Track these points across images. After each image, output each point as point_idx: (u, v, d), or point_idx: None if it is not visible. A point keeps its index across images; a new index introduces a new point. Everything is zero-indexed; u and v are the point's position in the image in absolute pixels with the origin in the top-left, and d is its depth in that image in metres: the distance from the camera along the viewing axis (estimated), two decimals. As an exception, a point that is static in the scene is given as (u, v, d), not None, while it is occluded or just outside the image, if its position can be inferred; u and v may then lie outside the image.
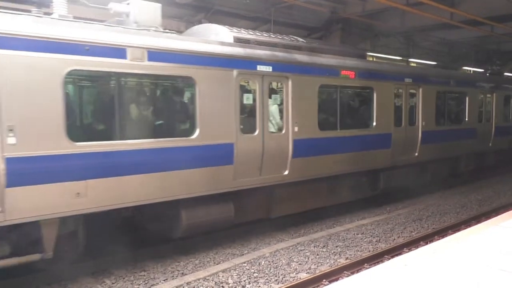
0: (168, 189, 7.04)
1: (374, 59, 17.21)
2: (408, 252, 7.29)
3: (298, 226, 9.75)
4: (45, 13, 6.47)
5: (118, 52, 6.53)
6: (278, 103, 8.87)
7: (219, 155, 7.70)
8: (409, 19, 15.11)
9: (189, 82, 7.49)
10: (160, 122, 7.56)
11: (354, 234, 9.35)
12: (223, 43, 7.99)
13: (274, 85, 8.94)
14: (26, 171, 5.70)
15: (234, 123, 7.86)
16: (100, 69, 6.39)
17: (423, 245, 8.10)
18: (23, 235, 6.00)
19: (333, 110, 9.89)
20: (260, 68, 8.28)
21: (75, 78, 6.77)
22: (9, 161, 5.56)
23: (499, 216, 7.51)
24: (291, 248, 8.37)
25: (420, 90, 12.11)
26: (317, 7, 13.46)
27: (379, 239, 9.08)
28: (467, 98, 14.14)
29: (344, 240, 8.95)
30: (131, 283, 6.80)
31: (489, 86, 15.49)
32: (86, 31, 6.32)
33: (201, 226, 7.82)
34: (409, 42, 17.69)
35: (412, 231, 9.73)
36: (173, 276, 7.05)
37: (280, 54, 8.73)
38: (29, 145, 5.73)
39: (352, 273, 6.94)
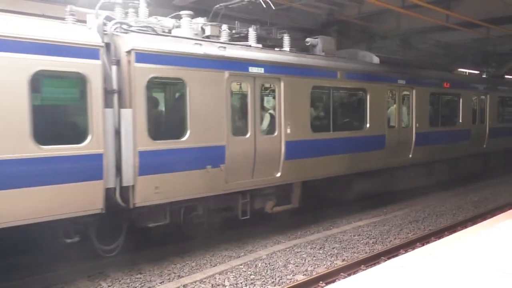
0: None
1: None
2: (404, 253, 7.31)
3: (294, 227, 9.75)
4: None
5: (333, 73, 9.97)
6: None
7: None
8: (405, 21, 15.15)
9: (363, 92, 10.78)
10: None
11: (350, 235, 9.35)
12: (376, 64, 11.46)
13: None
14: None
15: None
16: (324, 85, 9.86)
17: (419, 247, 8.13)
18: None
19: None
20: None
21: (317, 92, 9.88)
22: None
23: (495, 218, 7.54)
24: (287, 250, 8.37)
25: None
26: (314, 9, 13.49)
27: (376, 241, 9.09)
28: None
29: (340, 241, 8.96)
30: (127, 286, 6.78)
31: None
32: (312, 60, 9.67)
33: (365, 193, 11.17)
34: (405, 44, 17.73)
35: (408, 233, 9.74)
36: (169, 279, 7.04)
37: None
38: None
39: (349, 274, 6.94)
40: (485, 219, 9.50)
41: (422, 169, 13.03)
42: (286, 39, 9.54)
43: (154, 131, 6.99)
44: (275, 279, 7.06)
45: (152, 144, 6.87)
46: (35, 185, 5.79)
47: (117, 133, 6.59)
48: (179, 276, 7.15)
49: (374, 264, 7.30)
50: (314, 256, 8.09)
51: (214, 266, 7.55)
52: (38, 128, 5.77)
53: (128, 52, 6.69)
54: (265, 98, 8.94)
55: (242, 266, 7.52)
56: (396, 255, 7.76)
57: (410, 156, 12.13)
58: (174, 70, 7.21)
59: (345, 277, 6.79)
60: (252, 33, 8.96)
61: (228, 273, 7.25)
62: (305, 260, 7.87)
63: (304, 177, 9.40)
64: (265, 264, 7.64)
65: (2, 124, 5.49)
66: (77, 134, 6.27)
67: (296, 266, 7.61)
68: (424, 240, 8.95)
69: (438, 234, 9.35)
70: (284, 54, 9.12)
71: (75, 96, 6.51)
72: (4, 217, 5.57)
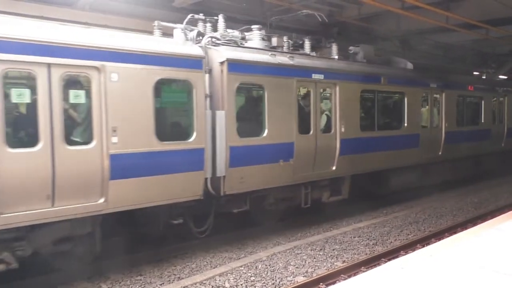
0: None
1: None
2: (405, 255, 7.31)
3: (294, 229, 9.75)
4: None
5: (378, 79, 11.17)
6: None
7: None
8: (405, 23, 15.16)
9: (401, 96, 11.93)
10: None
11: (351, 237, 9.35)
12: (412, 70, 12.65)
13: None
14: None
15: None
16: (371, 89, 11.04)
17: (419, 248, 8.10)
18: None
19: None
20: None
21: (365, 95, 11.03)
22: None
23: (495, 219, 7.55)
24: (288, 251, 8.37)
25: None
26: (313, 11, 13.51)
27: (376, 242, 9.09)
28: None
29: (341, 243, 8.95)
30: (127, 287, 6.78)
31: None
32: (362, 67, 10.89)
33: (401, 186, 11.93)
34: (405, 45, 17.75)
35: (408, 234, 9.74)
36: (169, 280, 7.03)
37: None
38: None
39: (349, 276, 6.94)
40: (485, 220, 9.51)
41: (449, 165, 14.13)
42: (334, 48, 10.74)
43: (241, 129, 8.16)
44: (276, 280, 7.05)
45: (239, 141, 8.11)
46: (156, 174, 6.98)
47: (213, 131, 7.77)
48: (179, 277, 7.15)
49: (375, 266, 7.30)
50: (314, 258, 8.08)
51: (214, 268, 7.55)
52: (158, 127, 7.00)
53: (222, 62, 7.88)
54: (324, 101, 10.01)
55: (242, 268, 7.52)
56: (397, 257, 7.76)
57: (440, 153, 13.25)
58: (256, 78, 8.50)
59: (345, 278, 6.79)
60: (307, 43, 10.12)
61: (228, 274, 7.25)
62: (305, 262, 7.87)
63: (354, 171, 10.59)
64: (266, 265, 7.63)
65: (137, 124, 6.73)
66: (186, 132, 7.51)
67: (297, 267, 7.61)
68: (424, 241, 8.94)
69: (439, 235, 9.35)
70: (339, 62, 10.48)
71: (184, 100, 7.69)
72: (134, 201, 6.80)
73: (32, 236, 6.14)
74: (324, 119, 9.89)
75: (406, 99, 11.89)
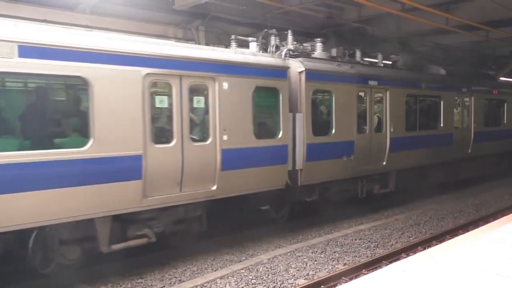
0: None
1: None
2: (406, 257, 7.26)
3: (295, 232, 9.74)
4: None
5: (420, 84, 12.62)
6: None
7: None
8: (404, 25, 15.18)
9: (438, 99, 13.42)
10: None
11: (352, 239, 9.34)
12: (445, 76, 14.27)
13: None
14: None
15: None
16: (414, 93, 12.47)
17: (421, 250, 8.08)
18: None
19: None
20: None
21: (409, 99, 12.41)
22: None
23: (496, 221, 7.53)
24: (289, 254, 8.35)
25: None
26: (313, 13, 13.52)
27: (377, 245, 9.07)
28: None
29: (342, 245, 8.94)
30: (128, 291, 6.77)
31: None
32: (407, 74, 12.48)
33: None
34: (405, 47, 17.76)
35: (410, 236, 9.72)
36: (170, 283, 7.02)
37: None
38: None
39: (350, 278, 6.93)
40: (486, 222, 9.49)
41: (476, 162, 15.43)
42: (380, 57, 12.22)
43: (314, 129, 9.52)
44: (277, 283, 7.04)
45: (314, 139, 9.48)
46: (254, 166, 8.38)
47: (293, 130, 9.13)
48: (180, 280, 7.13)
49: (376, 268, 7.28)
50: (315, 260, 8.07)
51: (215, 271, 7.53)
52: (256, 126, 8.43)
53: (301, 72, 9.31)
54: (376, 104, 11.34)
55: (244, 271, 7.51)
56: (398, 259, 7.76)
57: (469, 151, 14.66)
58: (326, 84, 9.91)
59: (346, 281, 6.77)
60: (358, 52, 11.47)
61: (229, 277, 7.23)
62: (306, 264, 7.85)
63: (399, 167, 11.81)
64: (267, 268, 7.62)
65: (241, 124, 8.14)
66: (274, 131, 8.94)
67: (298, 270, 7.59)
68: (425, 244, 8.93)
69: (440, 237, 9.34)
70: (389, 70, 12.15)
71: (273, 104, 8.97)
72: (237, 189, 8.16)
73: (162, 216, 7.40)
74: (375, 120, 11.24)
75: (442, 102, 13.39)
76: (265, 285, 6.95)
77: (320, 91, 10.10)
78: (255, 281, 7.10)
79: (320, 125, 9.88)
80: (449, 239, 8.10)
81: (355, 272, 7.37)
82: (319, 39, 10.52)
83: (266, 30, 9.78)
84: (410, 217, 11.29)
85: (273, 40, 9.83)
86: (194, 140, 7.51)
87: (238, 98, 8.10)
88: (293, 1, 12.56)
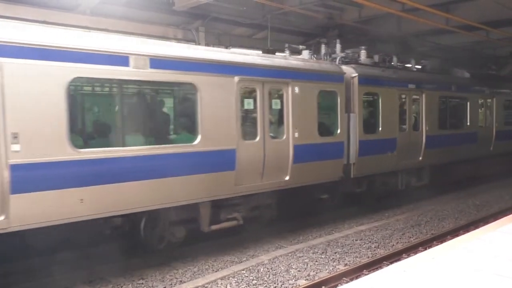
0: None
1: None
2: (407, 258, 7.27)
3: (296, 232, 9.73)
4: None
5: (450, 87, 14.08)
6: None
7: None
8: (405, 25, 15.19)
9: (465, 100, 14.69)
10: None
11: (352, 240, 9.33)
12: (470, 79, 15.29)
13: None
14: None
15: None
16: (445, 95, 13.79)
17: (421, 251, 8.07)
18: None
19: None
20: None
21: (441, 101, 13.67)
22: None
23: (497, 221, 7.52)
24: (290, 254, 8.35)
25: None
26: (313, 14, 13.52)
27: (378, 245, 9.07)
28: None
29: (342, 246, 8.94)
30: (129, 292, 6.77)
31: None
32: (441, 78, 13.93)
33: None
34: (405, 47, 17.76)
35: (410, 237, 9.72)
36: (171, 284, 7.02)
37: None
38: None
39: (351, 279, 6.92)
40: (487, 223, 9.47)
41: (497, 159, 16.41)
42: (413, 62, 13.44)
43: (365, 127, 10.76)
44: (277, 284, 7.03)
45: (364, 136, 10.69)
46: (317, 160, 9.53)
47: (347, 128, 10.37)
48: (181, 281, 7.13)
49: (377, 269, 7.26)
50: (316, 261, 8.06)
51: (216, 272, 7.53)
52: (319, 125, 9.63)
53: (354, 77, 10.56)
54: (413, 105, 12.53)
55: (244, 271, 7.50)
56: (399, 260, 7.75)
57: (491, 149, 15.78)
58: (373, 88, 11.20)
59: (347, 281, 6.76)
60: (394, 58, 12.68)
61: (230, 278, 7.23)
62: (307, 265, 7.85)
63: (433, 162, 13.03)
64: (267, 269, 7.62)
65: (308, 123, 9.34)
66: (332, 129, 10.13)
67: (298, 271, 7.59)
68: (426, 244, 8.91)
69: (441, 238, 9.33)
70: (424, 75, 13.31)
71: (332, 106, 10.15)
72: (305, 180, 9.36)
73: (245, 202, 8.60)
74: (412, 120, 12.41)
75: (468, 104, 14.67)
76: (266, 286, 6.95)
77: (369, 94, 11.25)
78: (256, 281, 7.09)
79: (369, 124, 11.13)
80: (450, 239, 8.09)
81: (356, 272, 7.36)
82: (363, 47, 11.82)
83: (317, 40, 11.72)
84: (411, 218, 11.28)
85: (324, 49, 11.22)
86: (272, 137, 8.76)
87: (306, 100, 9.30)
88: (293, 1, 12.58)
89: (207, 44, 12.63)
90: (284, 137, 8.90)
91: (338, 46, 11.39)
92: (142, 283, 7.04)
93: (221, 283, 7.02)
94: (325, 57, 11.12)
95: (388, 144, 11.40)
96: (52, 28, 6.99)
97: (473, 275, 4.65)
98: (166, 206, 7.22)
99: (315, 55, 11.11)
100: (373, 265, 7.71)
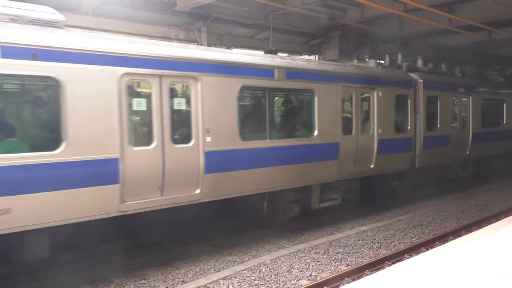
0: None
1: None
2: (409, 258, 7.25)
3: (298, 232, 9.72)
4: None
5: (490, 90, 15.94)
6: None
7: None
8: (407, 25, 15.17)
9: (502, 101, 16.84)
10: None
11: (354, 240, 9.32)
12: (504, 83, 17.65)
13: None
14: None
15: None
16: (487, 97, 15.58)
17: (424, 251, 8.08)
18: None
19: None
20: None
21: (483, 102, 15.41)
22: None
23: (499, 222, 7.50)
24: (291, 255, 8.35)
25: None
26: (315, 14, 13.52)
27: (380, 245, 9.06)
28: None
29: (344, 246, 8.93)
30: (131, 292, 6.78)
31: None
32: (484, 82, 16.20)
33: None
34: (408, 47, 17.74)
35: (413, 237, 9.70)
36: (173, 284, 7.02)
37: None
38: None
39: (353, 279, 6.91)
40: (490, 223, 9.45)
41: None
42: (457, 69, 15.17)
43: (427, 125, 12.52)
44: (279, 284, 7.03)
45: (427, 133, 12.50)
46: (392, 153, 11.40)
47: (414, 126, 12.13)
48: (183, 281, 7.13)
49: (379, 269, 7.26)
50: (318, 261, 8.06)
51: (218, 272, 7.53)
52: (396, 123, 11.60)
53: (419, 82, 12.37)
54: (462, 106, 14.35)
55: (246, 271, 7.51)
56: (401, 260, 7.74)
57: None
58: (434, 92, 12.89)
59: (349, 282, 6.76)
60: (443, 65, 14.40)
61: (232, 278, 7.23)
62: (309, 265, 7.85)
63: (477, 156, 14.95)
64: (269, 269, 7.62)
65: (387, 121, 11.18)
66: (404, 126, 11.96)
67: (300, 271, 7.59)
68: (428, 244, 8.90)
69: (443, 238, 9.31)
70: (472, 80, 15.14)
71: (404, 107, 11.95)
72: (383, 169, 11.19)
73: (342, 186, 10.41)
74: (461, 118, 14.23)
75: (505, 104, 16.67)
76: (267, 286, 6.95)
77: (430, 97, 12.84)
78: (257, 282, 7.09)
79: (430, 122, 12.77)
80: (452, 239, 8.07)
81: (358, 272, 7.36)
82: (420, 56, 13.74)
83: (388, 55, 12.94)
84: (413, 218, 11.26)
85: (387, 58, 12.78)
86: (362, 132, 10.59)
87: (386, 103, 11.18)
88: (295, 2, 12.57)
89: (209, 45, 12.64)
90: (370, 132, 10.85)
91: (399, 56, 13.19)
92: (144, 283, 7.05)
93: (223, 283, 7.02)
94: (392, 65, 12.84)
95: (444, 139, 13.27)
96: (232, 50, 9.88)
97: (475, 275, 4.64)
98: (291, 187, 9.17)
99: (380, 63, 12.92)
100: (375, 265, 7.70)
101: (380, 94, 10.90)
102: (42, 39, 5.89)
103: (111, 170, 6.39)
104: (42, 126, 6.49)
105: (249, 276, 7.30)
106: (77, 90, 6.12)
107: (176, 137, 7.23)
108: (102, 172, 6.31)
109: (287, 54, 14.77)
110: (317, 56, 16.35)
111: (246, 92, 8.72)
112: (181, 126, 7.41)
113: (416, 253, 8.20)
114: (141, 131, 7.01)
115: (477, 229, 7.91)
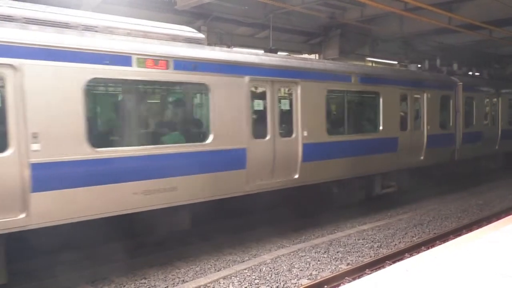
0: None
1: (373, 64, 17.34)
2: (409, 257, 7.25)
3: (298, 231, 9.72)
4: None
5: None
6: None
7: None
8: (407, 24, 15.17)
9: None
10: None
11: (355, 239, 9.32)
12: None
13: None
14: None
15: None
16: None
17: (424, 250, 8.05)
18: None
19: None
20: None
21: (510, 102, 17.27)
22: None
23: (500, 221, 7.48)
24: (292, 254, 8.34)
25: None
26: (315, 13, 13.51)
27: (380, 245, 9.05)
28: None
29: (345, 245, 8.92)
30: (131, 291, 6.78)
31: None
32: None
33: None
34: (408, 46, 17.74)
35: (413, 236, 9.70)
36: (173, 284, 7.02)
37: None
38: None
39: (354, 278, 6.91)
40: (490, 222, 9.46)
41: None
42: (485, 72, 16.93)
43: (465, 122, 14.16)
44: (280, 283, 7.03)
45: (465, 129, 14.12)
46: (439, 146, 13.08)
47: (455, 123, 13.75)
48: (183, 281, 7.13)
49: (379, 268, 7.25)
50: (318, 260, 8.06)
51: (218, 271, 7.53)
52: (440, 121, 13.15)
53: (459, 85, 13.82)
54: (493, 106, 16.02)
55: (247, 271, 7.51)
56: (401, 259, 7.74)
57: None
58: (471, 93, 14.40)
59: (349, 281, 6.76)
60: (473, 69, 16.16)
61: (233, 277, 7.23)
62: (309, 264, 7.84)
63: (505, 150, 16.60)
64: (270, 268, 7.61)
65: (435, 119, 12.72)
66: (446, 124, 13.45)
67: (301, 270, 7.59)
68: (429, 243, 8.89)
69: (443, 237, 9.30)
70: (501, 82, 16.73)
71: (447, 107, 13.50)
72: (430, 161, 12.72)
73: (398, 175, 11.84)
74: (491, 116, 15.86)
75: None
76: (268, 285, 6.95)
77: (468, 98, 14.31)
78: (258, 281, 7.09)
79: (467, 120, 14.30)
80: (453, 239, 8.05)
81: (358, 272, 7.35)
82: (455, 61, 15.16)
83: (427, 61, 14.22)
84: (413, 217, 11.26)
85: (426, 63, 14.15)
86: (414, 129, 12.04)
87: (433, 103, 12.65)
88: (296, 1, 12.56)
89: (209, 44, 12.62)
90: (421, 129, 12.29)
91: (437, 61, 14.59)
92: (145, 283, 7.05)
93: (223, 283, 7.02)
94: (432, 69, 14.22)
95: (478, 135, 14.78)
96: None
97: (476, 274, 4.63)
98: (361, 175, 10.63)
99: (419, 66, 14.09)
100: (376, 264, 7.70)
101: (429, 95, 12.45)
102: (199, 55, 7.53)
103: (242, 158, 8.06)
104: (197, 122, 8.44)
105: (249, 275, 7.30)
106: (219, 94, 7.75)
107: (281, 131, 8.77)
108: (236, 159, 7.98)
109: (287, 53, 14.77)
110: (317, 55, 16.35)
111: (331, 94, 10.12)
112: (285, 122, 8.92)
113: (416, 252, 8.19)
114: (259, 126, 8.47)
115: (478, 228, 7.90)
